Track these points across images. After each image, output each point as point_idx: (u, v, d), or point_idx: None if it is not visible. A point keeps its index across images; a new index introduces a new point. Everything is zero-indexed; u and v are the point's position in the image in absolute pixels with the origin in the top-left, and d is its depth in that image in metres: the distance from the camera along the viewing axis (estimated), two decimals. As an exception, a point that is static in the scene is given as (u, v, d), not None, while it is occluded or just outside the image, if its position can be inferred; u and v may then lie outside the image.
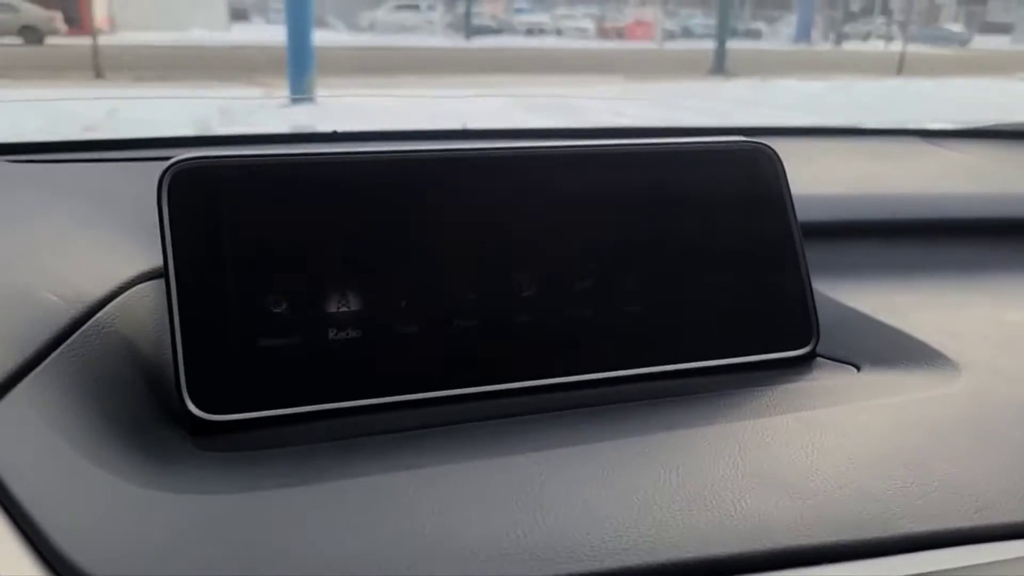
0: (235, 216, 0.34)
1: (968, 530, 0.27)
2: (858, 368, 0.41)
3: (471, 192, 0.38)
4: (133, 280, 0.38)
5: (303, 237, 0.35)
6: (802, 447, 0.31)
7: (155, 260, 0.38)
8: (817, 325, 0.42)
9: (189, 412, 0.33)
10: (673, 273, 0.40)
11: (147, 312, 0.37)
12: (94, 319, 0.34)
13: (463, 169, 0.38)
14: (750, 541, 0.25)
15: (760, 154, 0.42)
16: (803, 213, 0.43)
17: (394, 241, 0.36)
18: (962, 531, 0.27)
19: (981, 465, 0.30)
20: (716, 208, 0.41)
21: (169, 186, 0.34)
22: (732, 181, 0.41)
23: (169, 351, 0.33)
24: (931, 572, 0.25)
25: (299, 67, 4.23)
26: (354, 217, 0.36)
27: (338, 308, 0.35)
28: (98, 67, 5.78)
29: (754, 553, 0.25)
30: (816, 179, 0.59)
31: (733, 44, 10.06)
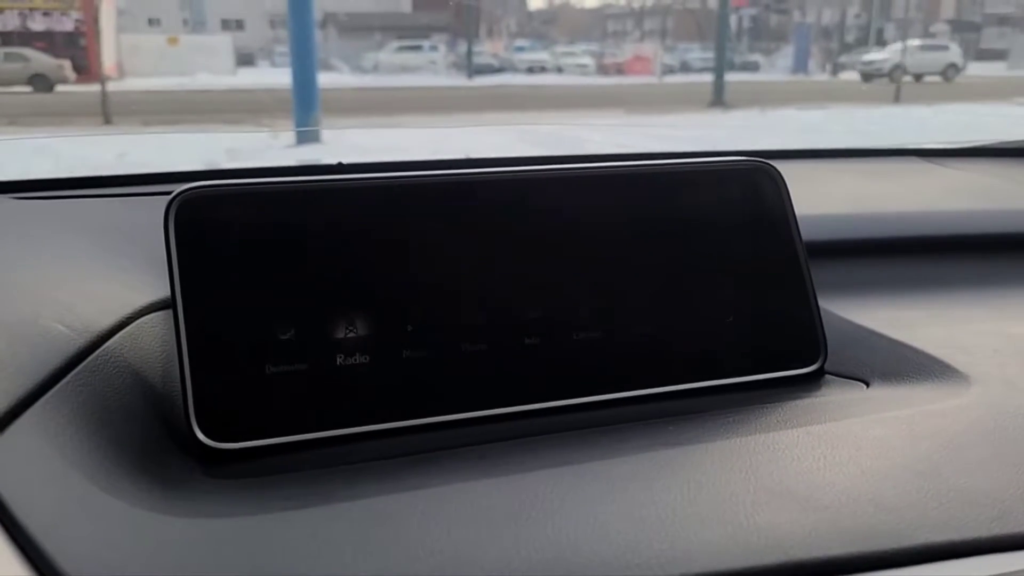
0: (241, 244, 0.35)
1: (985, 539, 0.26)
2: (867, 384, 0.40)
3: (476, 216, 0.38)
4: (142, 310, 0.38)
5: (309, 264, 0.35)
6: (814, 460, 0.31)
7: (164, 291, 0.38)
8: (825, 342, 0.42)
9: (198, 440, 0.33)
10: (679, 293, 0.40)
11: (156, 341, 0.37)
12: (102, 348, 0.34)
13: (467, 193, 0.38)
14: (762, 554, 0.25)
15: (761, 173, 0.43)
16: (806, 233, 0.43)
17: (400, 266, 0.36)
18: (979, 541, 0.26)
19: (997, 474, 0.30)
20: (720, 227, 0.41)
21: (176, 215, 0.34)
22: (735, 200, 0.42)
23: (178, 380, 0.34)
24: None
25: (304, 108, 4.30)
26: (360, 243, 0.36)
27: (345, 334, 0.36)
28: (106, 113, 5.88)
29: (766, 566, 0.25)
30: (818, 199, 0.59)
31: (731, 76, 10.19)
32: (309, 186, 0.36)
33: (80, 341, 0.33)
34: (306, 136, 3.30)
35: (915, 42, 14.56)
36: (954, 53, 13.89)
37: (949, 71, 13.23)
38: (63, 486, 0.26)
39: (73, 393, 0.31)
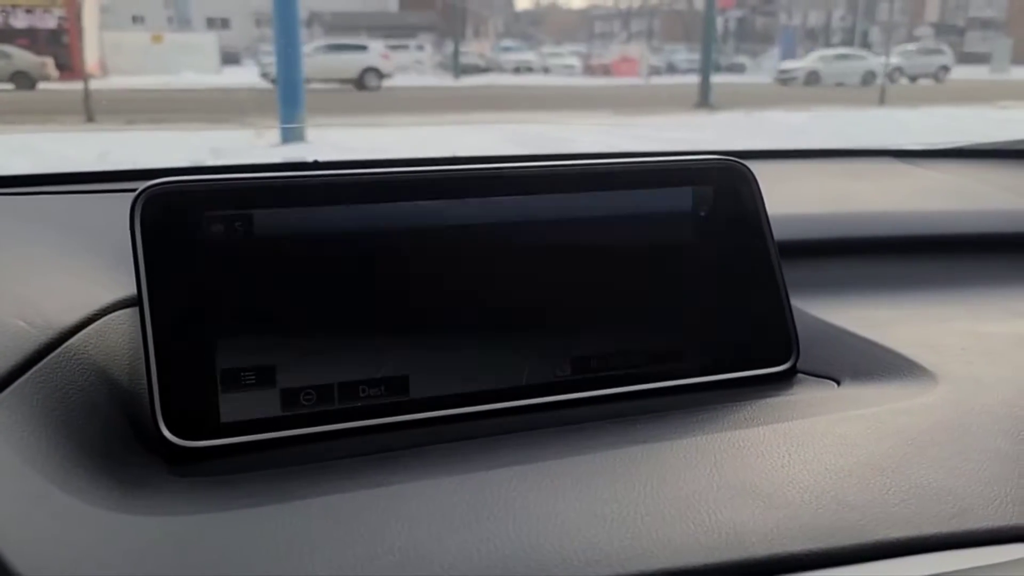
0: (209, 240, 0.34)
1: (944, 536, 0.27)
2: (838, 382, 0.41)
3: (446, 211, 0.38)
4: (108, 308, 0.37)
5: (279, 259, 0.35)
6: (779, 458, 0.31)
7: (133, 289, 0.38)
8: (797, 341, 0.42)
9: (164, 439, 0.33)
10: (650, 291, 0.40)
11: (122, 339, 0.37)
12: (64, 346, 0.33)
13: (439, 188, 0.38)
14: (723, 551, 0.25)
15: (734, 171, 0.43)
16: (781, 232, 0.43)
17: (369, 261, 0.36)
18: (938, 537, 0.26)
19: (959, 472, 0.30)
20: (692, 225, 0.41)
21: (142, 211, 0.34)
22: (707, 198, 0.42)
23: (144, 378, 0.33)
24: None
25: (290, 105, 4.28)
26: (331, 238, 0.36)
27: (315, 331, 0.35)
28: (89, 111, 5.81)
29: (727, 563, 0.25)
30: (793, 199, 0.59)
31: (717, 78, 10.22)
32: (278, 182, 0.36)
33: (42, 338, 0.33)
34: (291, 135, 3.28)
35: (318, 43, 11.88)
36: (373, 55, 11.39)
37: (368, 76, 10.91)
38: (19, 484, 0.26)
39: (32, 390, 0.30)
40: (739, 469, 0.30)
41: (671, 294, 0.41)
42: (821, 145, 0.78)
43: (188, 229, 0.34)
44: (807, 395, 0.39)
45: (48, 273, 0.41)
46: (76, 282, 0.40)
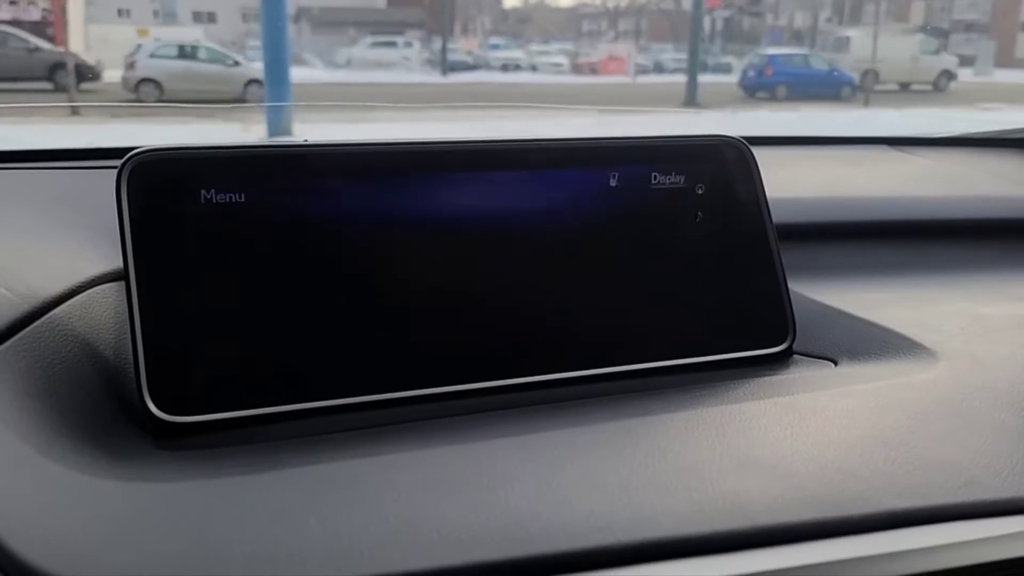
0: (198, 210, 0.33)
1: (952, 506, 0.26)
2: (835, 363, 0.40)
3: (441, 186, 0.37)
4: (94, 280, 0.36)
5: (269, 231, 0.34)
6: (781, 431, 0.30)
7: (119, 263, 0.37)
8: (793, 322, 0.42)
9: (150, 413, 0.32)
10: (647, 270, 0.40)
11: (108, 312, 0.36)
12: (48, 316, 0.33)
13: (434, 161, 0.37)
14: (728, 520, 0.25)
15: (731, 148, 0.42)
16: (777, 215, 0.43)
17: (361, 236, 0.35)
18: (946, 507, 0.26)
19: (963, 445, 0.30)
20: (689, 203, 0.41)
21: (128, 179, 0.33)
22: (704, 175, 0.41)
23: (131, 351, 0.32)
24: (914, 549, 0.25)
25: (276, 84, 4.22)
26: (323, 210, 0.35)
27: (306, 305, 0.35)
28: (73, 104, 5.76)
29: (732, 532, 0.24)
30: (790, 184, 0.59)
31: (704, 78, 10.23)
32: (269, 150, 0.35)
33: (24, 306, 0.32)
34: (277, 128, 3.26)
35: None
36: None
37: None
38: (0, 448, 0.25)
39: (14, 358, 0.29)
40: (741, 441, 0.30)
41: (669, 273, 0.40)
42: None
43: (176, 199, 0.33)
44: (806, 373, 0.39)
45: (32, 244, 0.40)
46: (61, 254, 0.39)
